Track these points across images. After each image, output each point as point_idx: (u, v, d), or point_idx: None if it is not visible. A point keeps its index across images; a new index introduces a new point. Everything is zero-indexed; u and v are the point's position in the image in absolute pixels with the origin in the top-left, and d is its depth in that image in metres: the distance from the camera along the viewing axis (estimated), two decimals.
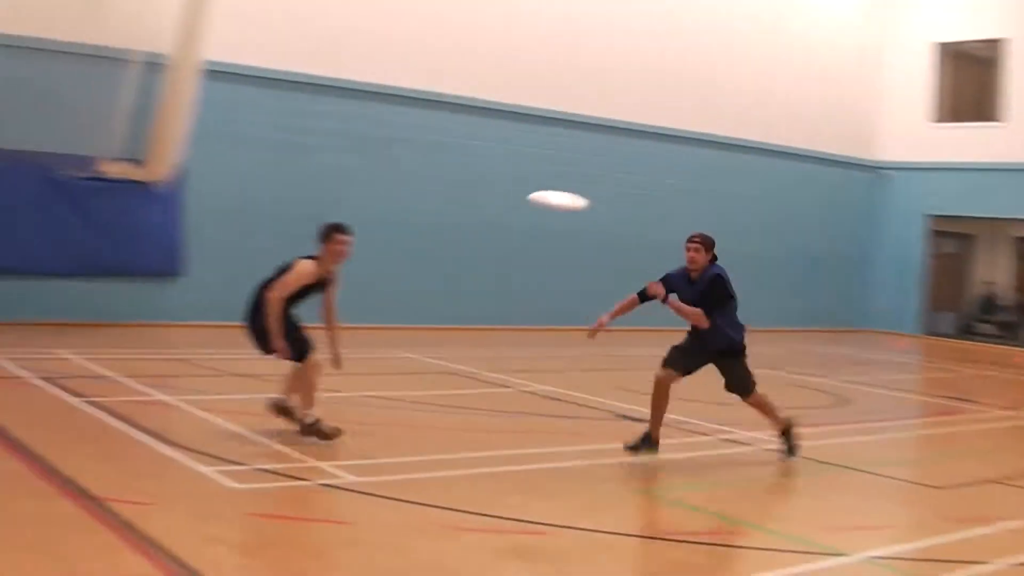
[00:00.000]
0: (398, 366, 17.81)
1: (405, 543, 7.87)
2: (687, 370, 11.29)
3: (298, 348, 11.06)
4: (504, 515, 8.78)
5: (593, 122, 25.62)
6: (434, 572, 7.36)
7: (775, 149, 29.26)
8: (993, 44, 30.09)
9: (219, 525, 7.99)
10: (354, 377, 16.36)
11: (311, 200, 20.95)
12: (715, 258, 11.16)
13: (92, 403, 12.20)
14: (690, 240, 11.11)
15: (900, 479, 11.61)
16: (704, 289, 11.01)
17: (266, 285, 11.15)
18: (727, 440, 12.86)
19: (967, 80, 31.34)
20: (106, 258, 19.62)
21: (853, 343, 27.54)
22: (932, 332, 30.91)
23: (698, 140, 27.72)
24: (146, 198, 19.94)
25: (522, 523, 8.58)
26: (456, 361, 18.25)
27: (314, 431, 10.96)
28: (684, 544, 8.47)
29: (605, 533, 8.58)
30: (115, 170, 19.63)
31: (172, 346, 18.02)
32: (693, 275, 11.11)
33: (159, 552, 7.16)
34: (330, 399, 13.46)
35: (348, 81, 22.10)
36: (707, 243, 11.09)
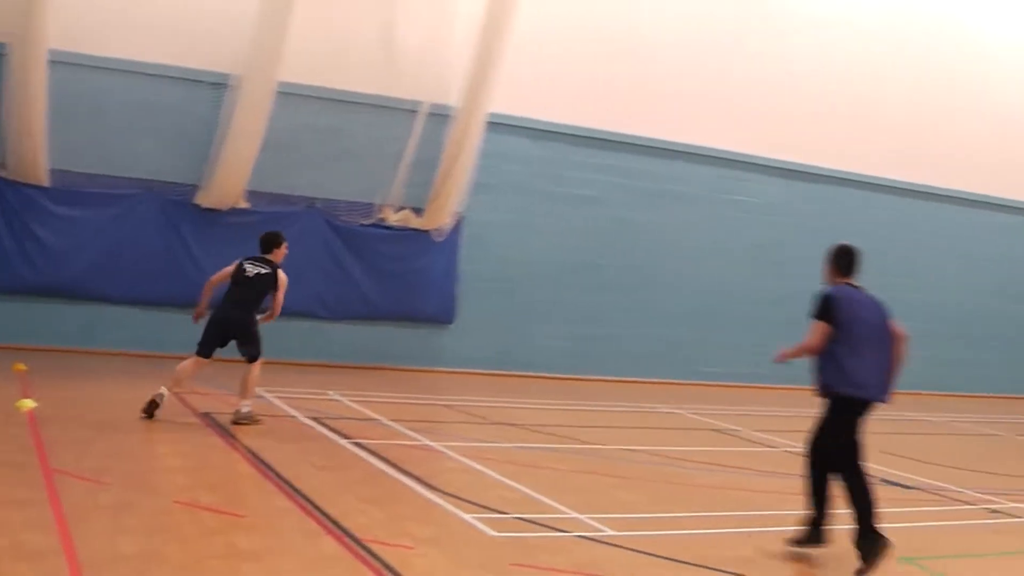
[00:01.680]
0: (664, 422, 17.75)
1: None
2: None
3: (258, 348, 13.36)
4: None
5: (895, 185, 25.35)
6: None
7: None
8: None
9: (479, 572, 8.08)
10: (619, 431, 16.46)
11: (586, 250, 21.16)
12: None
13: (359, 445, 12.51)
14: None
15: None
16: None
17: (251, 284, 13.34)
18: (992, 511, 12.40)
19: None
20: (385, 303, 20.15)
21: None
22: None
23: (986, 204, 26.95)
24: (425, 246, 20.42)
25: None
26: (719, 418, 18.11)
27: (251, 418, 13.07)
28: None
29: None
30: (397, 218, 20.19)
31: (441, 392, 18.36)
32: None
33: None
34: (592, 451, 13.54)
35: (631, 136, 22.23)
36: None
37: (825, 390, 9.39)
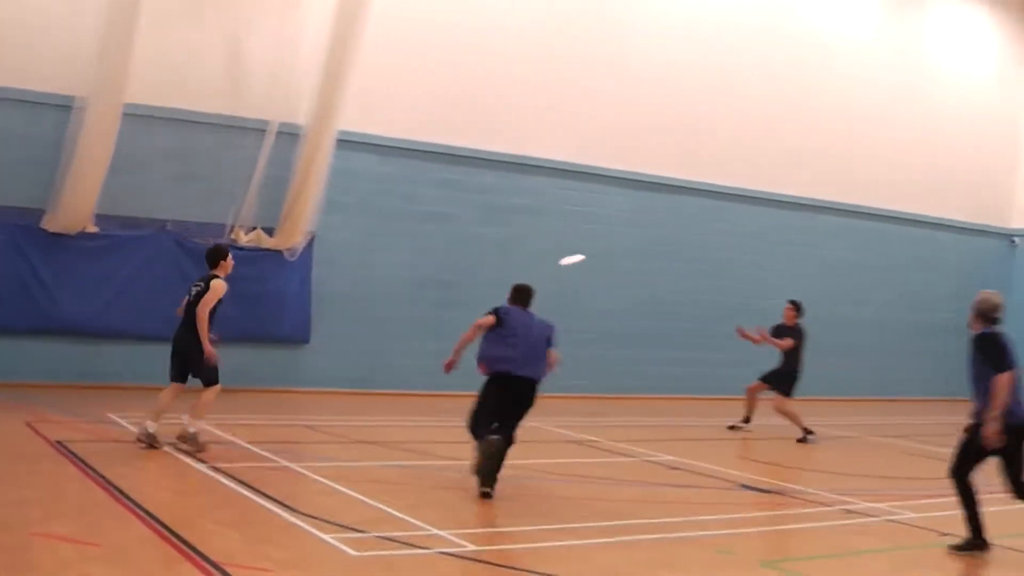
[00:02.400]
0: (524, 435, 17.80)
1: None
2: None
3: (213, 373, 13.54)
4: None
5: (740, 193, 25.81)
6: None
7: (908, 217, 29.02)
8: None
9: None
10: None
11: (442, 268, 21.22)
12: None
13: (217, 469, 12.40)
14: None
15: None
16: None
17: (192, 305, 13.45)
18: (847, 511, 12.68)
19: None
20: (240, 325, 19.88)
21: None
22: None
23: (836, 210, 27.66)
24: (278, 265, 20.30)
25: None
26: (578, 430, 18.28)
27: (195, 442, 13.20)
28: None
29: None
30: (249, 238, 20.04)
31: (300, 412, 18.26)
32: None
33: None
34: (452, 467, 13.59)
35: (479, 151, 22.35)
36: None
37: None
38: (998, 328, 10.78)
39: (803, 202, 27.01)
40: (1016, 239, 31.59)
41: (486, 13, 22.46)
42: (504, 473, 12.12)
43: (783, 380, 19.06)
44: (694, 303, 22.88)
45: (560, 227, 23.25)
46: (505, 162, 22.67)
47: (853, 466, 16.62)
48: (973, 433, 10.70)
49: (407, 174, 21.70)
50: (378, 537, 9.77)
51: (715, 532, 11.16)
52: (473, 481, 11.99)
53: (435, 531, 10.13)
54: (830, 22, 27.53)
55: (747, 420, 19.64)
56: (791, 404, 18.99)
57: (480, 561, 9.22)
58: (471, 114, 22.28)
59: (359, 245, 21.22)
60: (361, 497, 11.46)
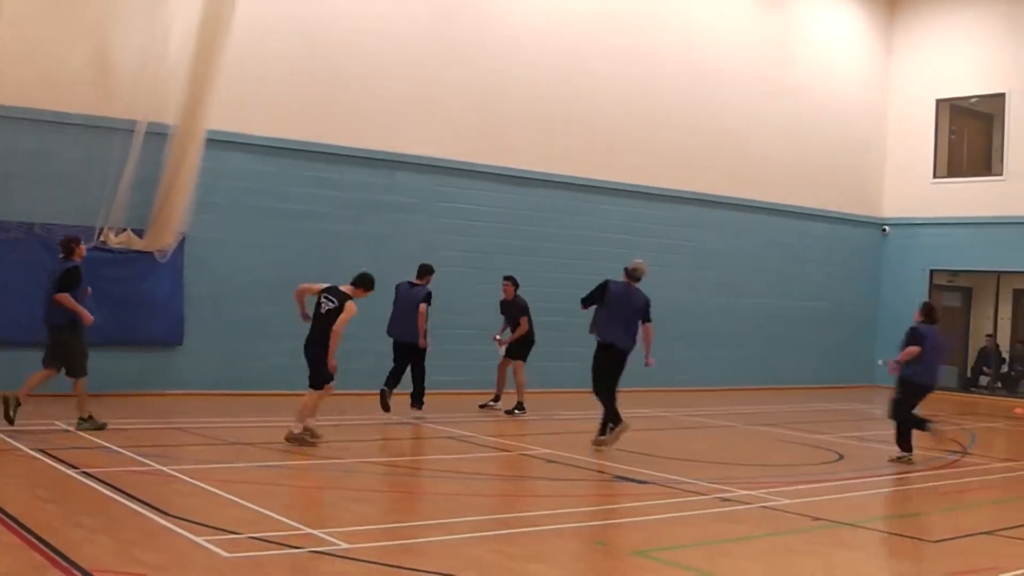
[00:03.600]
0: (403, 432, 17.84)
1: None
2: None
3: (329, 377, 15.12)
4: None
5: (600, 185, 25.98)
6: None
7: (779, 208, 29.55)
8: (993, 99, 30.41)
9: None
10: (356, 444, 16.49)
11: (314, 267, 21.04)
12: None
13: (88, 474, 12.21)
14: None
15: (896, 533, 11.60)
16: None
17: (326, 321, 15.00)
18: (723, 499, 12.87)
19: (968, 135, 31.60)
20: (111, 328, 19.59)
21: (858, 399, 27.51)
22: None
23: (706, 201, 28.04)
24: (149, 267, 20.04)
25: None
26: (454, 425, 18.34)
27: (303, 439, 14.86)
28: None
29: None
30: (118, 240, 19.76)
31: (173, 415, 18.02)
32: None
33: None
34: (328, 466, 13.57)
35: (348, 148, 22.25)
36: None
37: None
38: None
39: (674, 194, 27.31)
40: (887, 227, 32.30)
41: (354, 10, 22.38)
42: (379, 469, 12.11)
43: (522, 347, 20.67)
44: (566, 297, 22.86)
45: (432, 224, 23.28)
46: (376, 159, 22.59)
47: (729, 455, 16.88)
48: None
49: (278, 173, 21.53)
50: (251, 538, 9.71)
51: (590, 524, 11.29)
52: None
53: (308, 530, 10.12)
54: (698, 14, 27.88)
55: (497, 399, 21.02)
56: (524, 373, 20.39)
57: (351, 559, 9.21)
58: (341, 111, 22.17)
59: (231, 245, 20.98)
60: (234, 498, 11.39)
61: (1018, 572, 9.86)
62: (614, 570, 9.50)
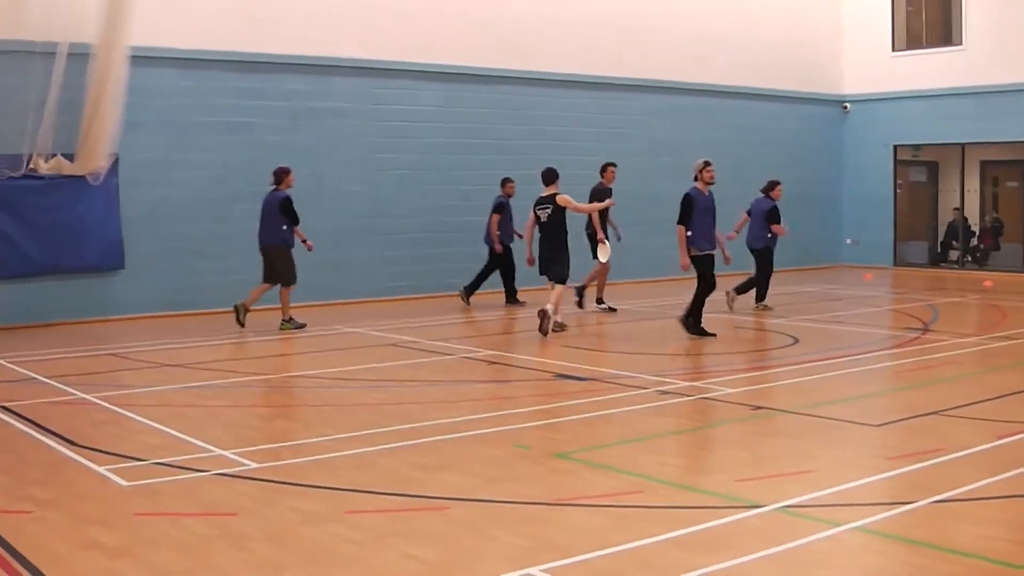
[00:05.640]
0: (339, 342, 17.38)
1: (286, 532, 7.50)
2: None
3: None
4: (409, 492, 8.42)
5: (543, 76, 25.30)
6: (314, 560, 6.98)
7: (737, 90, 28.98)
8: None
9: (97, 528, 7.61)
10: (291, 358, 16.09)
11: (250, 181, 20.48)
12: None
13: (6, 408, 11.81)
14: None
15: (838, 419, 11.15)
16: None
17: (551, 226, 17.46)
18: (663, 392, 12.48)
19: (925, 5, 30.93)
20: (46, 258, 19.17)
21: (823, 280, 27.13)
22: (903, 262, 30.68)
23: (660, 86, 27.45)
24: (82, 192, 19.48)
25: (426, 499, 8.21)
26: (398, 332, 17.93)
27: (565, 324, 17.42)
28: (589, 508, 8.05)
29: (507, 503, 8.20)
30: (48, 167, 19.18)
31: (110, 341, 17.53)
32: None
33: (26, 567, 6.81)
34: (258, 383, 13.20)
35: (279, 55, 21.57)
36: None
37: None
38: None
39: (619, 81, 26.68)
40: (847, 104, 31.78)
41: None
42: (308, 383, 11.68)
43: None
44: (518, 195, 22.34)
45: (371, 128, 22.68)
46: (307, 64, 21.90)
47: (680, 346, 16.38)
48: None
49: (206, 86, 20.85)
50: (155, 463, 9.33)
51: (517, 426, 10.85)
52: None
53: (219, 451, 9.73)
54: None
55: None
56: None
57: (254, 479, 8.82)
58: (267, 18, 21.40)
59: (163, 163, 20.36)
60: (150, 423, 11.02)
61: (962, 453, 9.46)
62: (529, 474, 9.09)
